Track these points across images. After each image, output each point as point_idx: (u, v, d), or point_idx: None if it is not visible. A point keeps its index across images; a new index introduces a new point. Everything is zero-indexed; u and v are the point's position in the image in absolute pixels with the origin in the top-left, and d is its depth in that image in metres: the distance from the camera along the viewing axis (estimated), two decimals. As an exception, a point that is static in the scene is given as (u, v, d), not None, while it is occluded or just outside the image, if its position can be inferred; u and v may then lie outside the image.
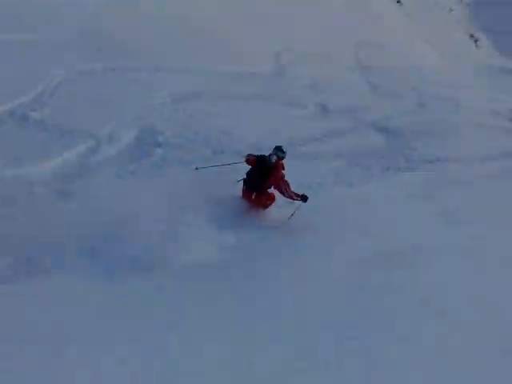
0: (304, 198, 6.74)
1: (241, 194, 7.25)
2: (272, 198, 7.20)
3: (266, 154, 6.88)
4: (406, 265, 5.98)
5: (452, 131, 11.93)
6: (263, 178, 6.85)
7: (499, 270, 6.07)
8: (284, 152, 6.90)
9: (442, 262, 6.15)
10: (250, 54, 13.95)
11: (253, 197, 7.17)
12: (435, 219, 7.80)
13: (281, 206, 7.26)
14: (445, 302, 5.22)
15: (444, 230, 7.47)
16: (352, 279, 5.60)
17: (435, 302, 5.21)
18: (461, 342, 4.57)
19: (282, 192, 6.81)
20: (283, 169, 6.90)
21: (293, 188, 6.75)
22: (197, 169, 7.16)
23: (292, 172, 6.93)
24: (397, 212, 7.86)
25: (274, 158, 6.81)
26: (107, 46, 11.19)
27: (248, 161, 7.04)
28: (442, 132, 11.76)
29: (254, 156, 7.02)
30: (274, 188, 6.95)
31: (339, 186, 8.72)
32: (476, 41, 30.11)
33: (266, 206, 7.24)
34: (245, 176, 7.09)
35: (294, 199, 6.82)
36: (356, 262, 5.97)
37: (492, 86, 23.40)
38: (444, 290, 5.45)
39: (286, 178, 6.80)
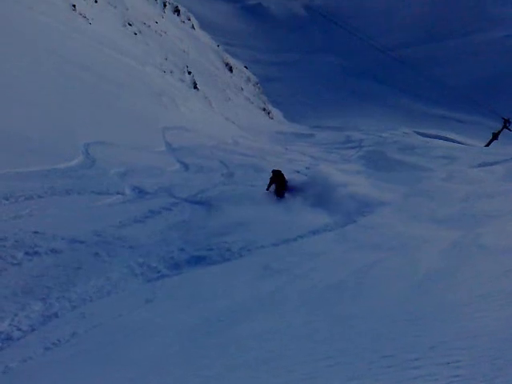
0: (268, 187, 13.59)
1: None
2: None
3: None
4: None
5: (258, 194, 13.39)
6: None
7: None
8: (272, 171, 13.69)
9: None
10: (54, 149, 13.81)
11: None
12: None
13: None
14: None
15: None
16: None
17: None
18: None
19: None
20: (271, 177, 13.57)
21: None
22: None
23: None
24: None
25: (270, 175, 13.66)
26: None
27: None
28: (251, 197, 13.07)
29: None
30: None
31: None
32: (269, 113, 34.59)
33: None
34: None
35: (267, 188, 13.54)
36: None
37: (289, 149, 26.88)
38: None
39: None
